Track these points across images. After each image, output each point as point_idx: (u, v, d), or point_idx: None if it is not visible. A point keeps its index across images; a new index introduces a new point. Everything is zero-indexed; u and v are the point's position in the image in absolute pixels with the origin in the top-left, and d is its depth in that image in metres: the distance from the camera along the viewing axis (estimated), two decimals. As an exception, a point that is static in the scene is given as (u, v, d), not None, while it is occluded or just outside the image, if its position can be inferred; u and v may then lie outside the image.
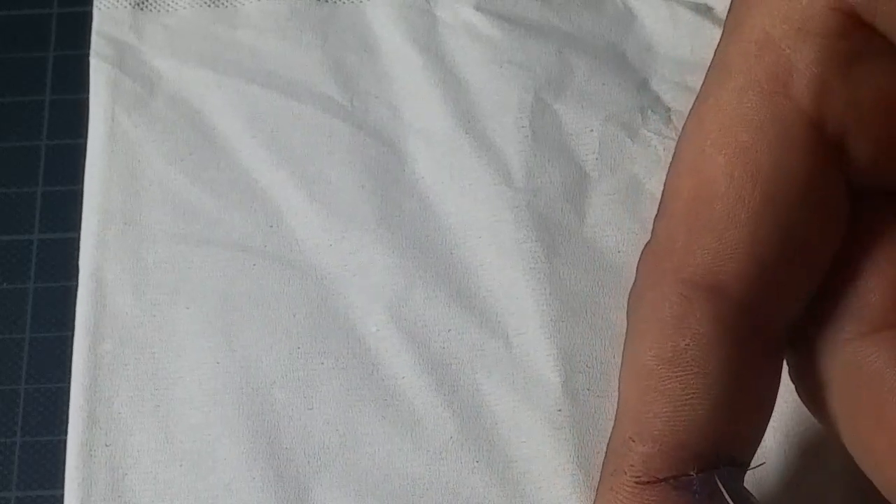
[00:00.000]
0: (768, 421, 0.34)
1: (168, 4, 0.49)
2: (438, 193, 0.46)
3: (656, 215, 0.35)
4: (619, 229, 0.44)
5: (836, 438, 0.35)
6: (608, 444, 0.34)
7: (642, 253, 0.35)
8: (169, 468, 0.41)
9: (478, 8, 0.49)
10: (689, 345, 0.32)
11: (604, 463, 0.34)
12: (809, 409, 0.36)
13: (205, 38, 0.49)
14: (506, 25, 0.48)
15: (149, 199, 0.46)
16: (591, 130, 0.46)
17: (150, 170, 0.46)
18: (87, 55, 0.48)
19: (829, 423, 0.34)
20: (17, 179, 0.48)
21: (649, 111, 0.46)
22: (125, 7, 0.49)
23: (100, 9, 0.49)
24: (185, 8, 0.49)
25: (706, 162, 0.33)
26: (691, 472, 0.32)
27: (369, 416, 0.42)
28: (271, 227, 0.45)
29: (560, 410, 0.42)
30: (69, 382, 0.43)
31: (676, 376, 0.32)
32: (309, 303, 0.44)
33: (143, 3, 0.49)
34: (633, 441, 0.33)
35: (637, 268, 0.35)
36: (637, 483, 0.33)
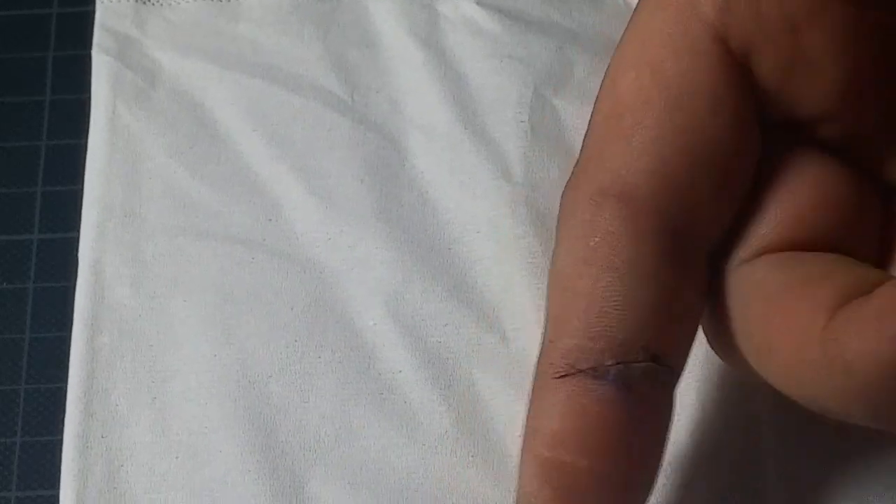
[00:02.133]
0: (694, 333, 0.35)
1: (170, -2, 0.50)
2: (438, 188, 0.46)
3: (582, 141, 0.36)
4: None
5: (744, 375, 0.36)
6: (540, 352, 0.35)
7: (568, 181, 0.36)
8: (165, 460, 0.41)
9: (479, 3, 0.49)
10: (598, 242, 0.33)
11: (536, 368, 0.35)
12: (716, 348, 0.37)
13: (206, 32, 0.49)
14: (506, 21, 0.48)
15: (149, 191, 0.46)
16: (591, 126, 0.46)
17: (151, 163, 0.46)
18: (88, 55, 0.48)
19: (732, 353, 0.35)
20: (17, 179, 0.48)
21: (649, 108, 0.46)
22: (128, 1, 0.49)
23: (103, 2, 0.49)
24: (187, 1, 0.49)
25: (620, 79, 0.34)
26: (608, 363, 0.33)
27: (365, 410, 0.42)
28: (270, 220, 0.45)
29: (556, 405, 0.42)
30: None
31: (589, 273, 0.33)
32: (307, 296, 0.44)
33: (145, -4, 0.50)
34: (552, 342, 0.34)
35: (562, 194, 0.36)
36: (556, 378, 0.33)
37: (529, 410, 0.35)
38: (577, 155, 0.45)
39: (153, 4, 0.49)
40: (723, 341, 0.36)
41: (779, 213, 0.35)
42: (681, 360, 0.35)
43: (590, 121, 0.36)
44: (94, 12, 0.49)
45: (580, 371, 0.33)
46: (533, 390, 0.35)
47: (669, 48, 0.34)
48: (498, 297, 0.44)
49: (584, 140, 0.36)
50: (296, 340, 0.43)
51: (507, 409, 0.42)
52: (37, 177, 0.48)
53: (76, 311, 0.44)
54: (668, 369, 0.34)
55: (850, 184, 0.35)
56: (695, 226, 0.34)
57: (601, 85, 0.36)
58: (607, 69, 0.36)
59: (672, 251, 0.34)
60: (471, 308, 0.43)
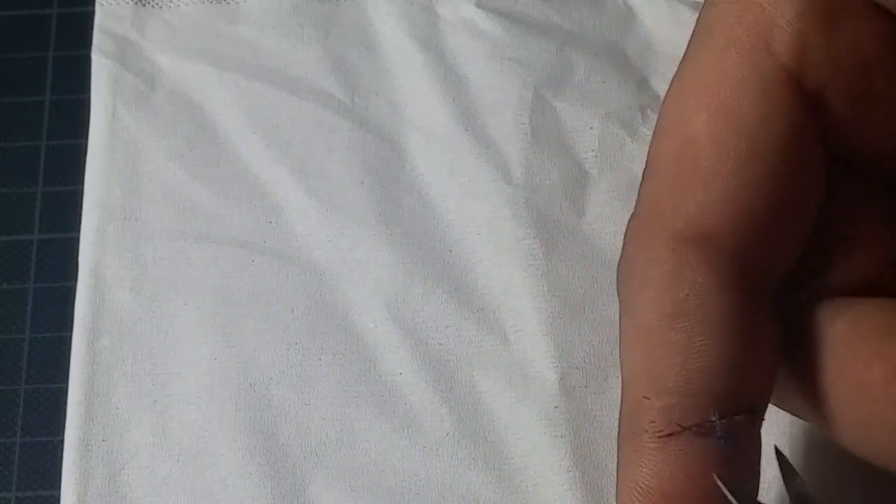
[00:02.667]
0: (775, 372, 0.34)
1: (170, 0, 0.49)
2: (438, 190, 0.46)
3: (641, 182, 0.35)
4: (617, 227, 0.44)
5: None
6: (621, 412, 0.34)
7: (629, 223, 0.35)
8: (166, 463, 0.42)
9: (479, 5, 0.49)
10: (688, 295, 0.33)
11: (619, 431, 0.34)
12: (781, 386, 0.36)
13: (206, 34, 0.49)
14: (506, 23, 0.48)
15: (149, 194, 0.46)
16: (591, 128, 0.46)
17: (151, 165, 0.46)
18: (88, 55, 0.48)
19: (785, 391, 0.35)
20: (17, 179, 0.48)
21: (649, 109, 0.46)
22: (127, 3, 0.49)
23: (102, 5, 0.49)
24: (186, 4, 0.49)
25: (689, 121, 0.33)
26: (713, 418, 0.32)
27: (366, 412, 0.42)
28: (270, 222, 0.45)
29: (557, 407, 0.42)
30: (69, 383, 0.43)
31: (682, 327, 0.33)
32: (307, 298, 0.44)
33: (144, -1, 0.49)
34: (648, 399, 0.33)
35: (625, 238, 0.35)
36: (660, 437, 0.32)
37: (626, 469, 0.34)
38: (577, 157, 0.46)
39: (152, 7, 0.49)
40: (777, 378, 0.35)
41: (847, 256, 0.35)
42: (767, 401, 0.34)
43: (649, 159, 0.35)
44: (94, 13, 0.49)
45: (685, 429, 0.32)
46: (627, 448, 0.34)
47: (744, 92, 0.33)
48: (498, 300, 0.44)
49: (646, 174, 0.35)
50: (296, 343, 0.43)
51: (509, 411, 0.42)
52: (37, 177, 0.48)
53: (76, 315, 0.44)
54: (759, 416, 0.34)
55: None
56: (771, 269, 0.34)
57: (659, 121, 0.35)
58: (663, 106, 0.35)
59: (756, 297, 0.33)
60: (471, 310, 0.43)
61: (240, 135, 0.47)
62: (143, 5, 0.49)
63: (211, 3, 0.49)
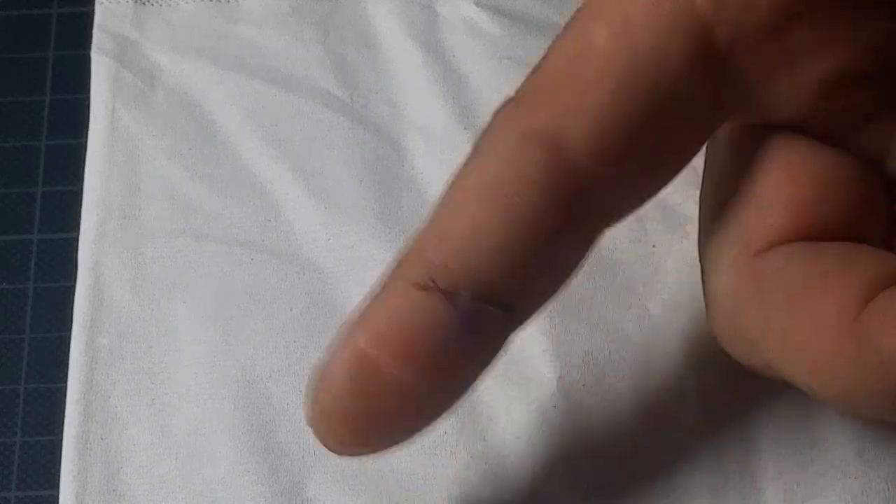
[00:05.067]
0: (556, 292, 0.35)
1: (169, -1, 0.50)
2: (437, 188, 0.45)
3: (532, 69, 0.35)
4: (615, 226, 0.44)
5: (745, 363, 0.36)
6: (401, 250, 0.34)
7: (504, 102, 0.35)
8: (164, 462, 0.41)
9: (478, 4, 0.49)
10: (510, 178, 0.33)
11: (395, 262, 0.34)
12: (724, 339, 0.36)
13: (205, 33, 0.49)
14: (506, 21, 0.48)
15: (148, 193, 0.46)
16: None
17: (150, 164, 0.46)
18: (88, 55, 0.49)
19: (742, 346, 0.35)
20: (17, 179, 0.48)
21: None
22: (127, 2, 0.49)
23: (102, 3, 0.49)
24: (186, 2, 0.49)
25: (591, 32, 0.33)
26: (465, 294, 0.33)
27: (365, 411, 0.42)
28: (269, 221, 0.45)
29: (555, 406, 0.42)
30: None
31: (487, 206, 0.33)
32: (306, 297, 0.44)
33: (144, -3, 0.50)
34: (427, 249, 0.33)
35: (494, 112, 0.35)
36: (412, 285, 0.33)
37: (370, 297, 0.34)
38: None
39: (152, 5, 0.49)
40: (733, 333, 0.35)
41: (786, 202, 0.35)
42: (531, 313, 0.35)
43: (550, 50, 0.35)
44: (94, 12, 0.49)
45: (438, 290, 0.33)
46: (383, 280, 0.34)
47: (649, 21, 0.33)
48: (497, 298, 0.43)
49: (538, 65, 0.35)
50: (295, 341, 0.43)
51: (507, 410, 0.42)
52: (37, 177, 0.48)
53: (75, 313, 0.44)
54: (515, 320, 0.34)
55: (852, 172, 0.35)
56: (609, 192, 0.34)
57: (574, 18, 0.35)
58: (584, 4, 0.35)
59: (575, 213, 0.33)
60: (470, 309, 0.43)
61: (239, 133, 0.47)
62: (143, 4, 0.49)
63: (211, 1, 0.49)
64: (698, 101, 0.34)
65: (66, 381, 0.43)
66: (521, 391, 0.42)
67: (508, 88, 0.46)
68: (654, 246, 0.44)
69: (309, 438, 0.41)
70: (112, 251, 0.45)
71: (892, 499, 0.40)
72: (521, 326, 0.35)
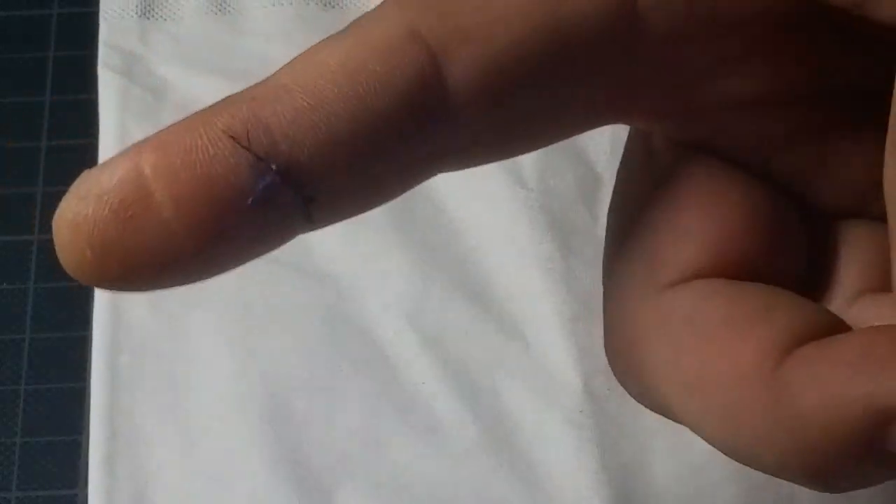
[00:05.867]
0: (355, 208, 0.31)
1: (174, 13, 0.49)
2: (452, 197, 0.46)
3: None
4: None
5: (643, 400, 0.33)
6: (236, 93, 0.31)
7: None
8: (191, 480, 0.41)
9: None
10: (375, 71, 0.29)
11: (221, 99, 0.30)
12: (623, 379, 0.34)
13: (212, 46, 0.49)
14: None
15: (161, 207, 0.46)
16: (603, 131, 0.46)
17: (162, 178, 0.46)
18: (88, 55, 0.48)
19: (641, 385, 0.33)
20: (17, 179, 0.48)
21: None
22: (132, 16, 0.49)
23: (106, 19, 0.49)
24: (191, 16, 0.49)
25: None
26: (273, 165, 0.29)
27: (390, 423, 0.42)
28: (285, 234, 0.45)
29: (581, 411, 0.42)
30: (69, 383, 0.43)
31: (340, 81, 0.29)
32: (325, 310, 0.44)
33: (149, 11, 0.49)
34: (258, 103, 0.30)
35: None
36: (226, 135, 0.29)
37: (177, 122, 0.30)
38: (589, 160, 0.46)
39: (157, 19, 0.49)
40: (625, 367, 0.33)
41: (705, 233, 0.32)
42: (324, 220, 0.30)
43: None
44: (94, 13, 0.49)
45: (249, 149, 0.29)
46: (198, 112, 0.30)
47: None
48: (517, 304, 0.44)
49: None
50: (316, 354, 0.43)
51: (533, 416, 0.42)
52: (37, 177, 0.48)
53: (94, 332, 0.43)
54: (306, 216, 0.30)
55: (774, 203, 0.33)
56: (468, 135, 0.30)
57: None
58: None
59: (421, 139, 0.30)
60: (490, 315, 0.44)
61: (250, 146, 0.47)
62: (148, 18, 0.49)
63: (216, 14, 0.49)
64: (607, 63, 0.30)
65: (65, 381, 0.43)
66: (546, 397, 0.42)
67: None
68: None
69: (336, 451, 0.41)
70: (127, 268, 0.45)
71: None
72: (306, 229, 0.30)
